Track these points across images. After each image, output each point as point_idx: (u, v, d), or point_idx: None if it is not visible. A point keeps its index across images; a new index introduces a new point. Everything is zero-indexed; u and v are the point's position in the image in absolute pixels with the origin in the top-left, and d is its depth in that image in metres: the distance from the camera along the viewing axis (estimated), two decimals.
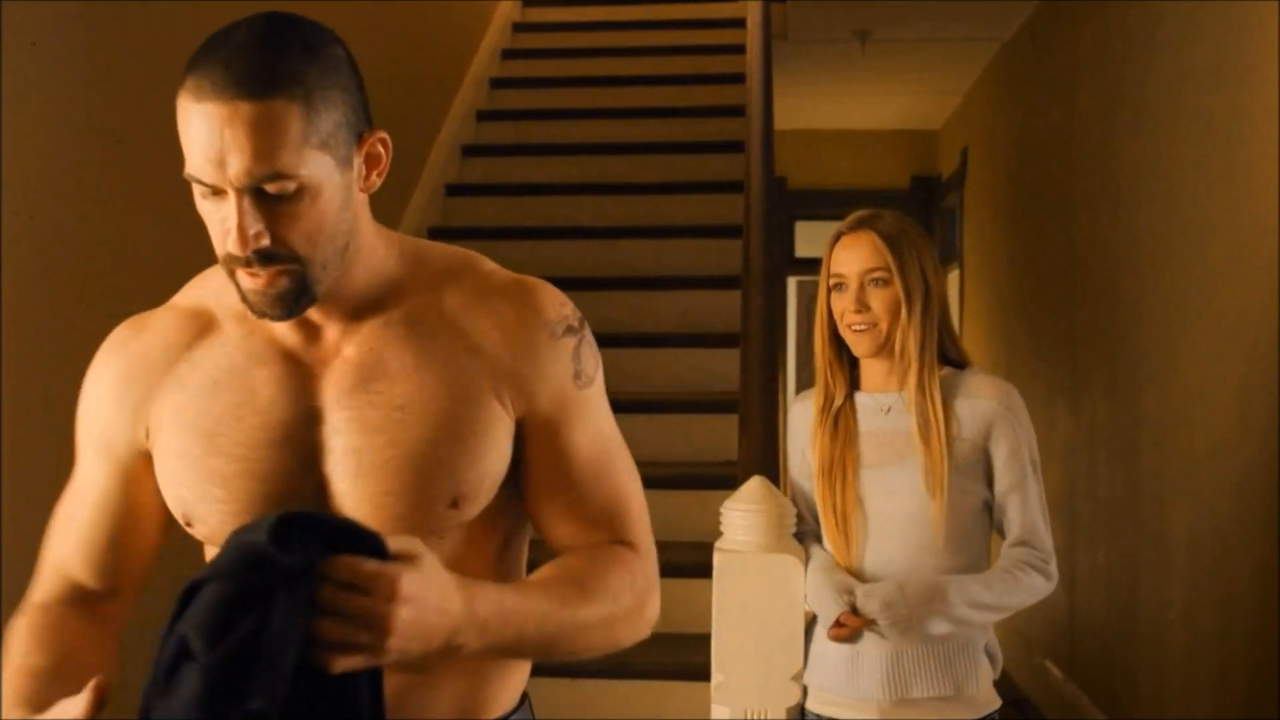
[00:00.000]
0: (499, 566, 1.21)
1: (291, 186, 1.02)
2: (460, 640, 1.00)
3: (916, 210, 7.89)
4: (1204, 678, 3.29)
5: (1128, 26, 4.05)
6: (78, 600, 1.19)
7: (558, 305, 1.20)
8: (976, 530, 1.99)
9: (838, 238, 2.03)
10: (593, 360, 1.21)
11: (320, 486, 1.10)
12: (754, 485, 2.17)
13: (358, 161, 1.09)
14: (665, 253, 4.31)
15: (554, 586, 1.12)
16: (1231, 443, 3.11)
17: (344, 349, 1.13)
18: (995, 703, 2.01)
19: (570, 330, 1.19)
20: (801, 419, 2.13)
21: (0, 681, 1.08)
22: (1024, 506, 1.97)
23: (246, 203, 1.02)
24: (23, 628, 1.14)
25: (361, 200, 1.12)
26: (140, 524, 1.18)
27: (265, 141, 1.00)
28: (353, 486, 1.09)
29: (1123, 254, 4.08)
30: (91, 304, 2.34)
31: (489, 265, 1.22)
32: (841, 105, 7.20)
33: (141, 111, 2.51)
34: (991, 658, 2.02)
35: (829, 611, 1.98)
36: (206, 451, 1.11)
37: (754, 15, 4.77)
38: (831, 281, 2.02)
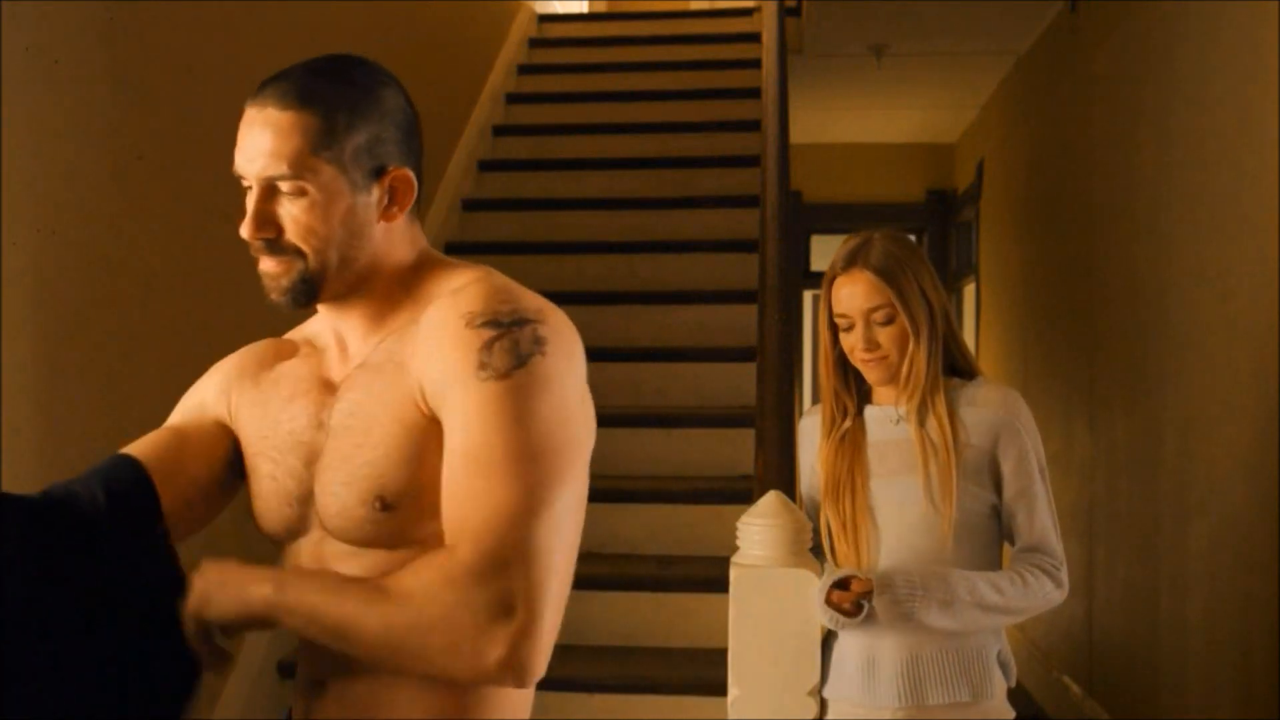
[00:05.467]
0: None
1: (299, 187, 1.16)
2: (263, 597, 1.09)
3: (932, 224, 7.89)
4: (1225, 693, 3.27)
5: (1147, 38, 4.04)
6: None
7: (491, 301, 1.16)
8: (986, 537, 2.00)
9: (834, 277, 2.04)
10: (511, 357, 1.12)
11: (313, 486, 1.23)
12: (770, 500, 2.17)
13: (378, 191, 1.20)
14: (681, 267, 4.32)
15: (354, 579, 1.13)
16: (1253, 457, 3.09)
17: (353, 365, 1.25)
18: (1009, 713, 2.01)
19: (493, 324, 1.14)
20: (810, 433, 2.15)
21: None
22: (1032, 513, 1.97)
23: (260, 196, 1.18)
24: None
25: (385, 229, 1.22)
26: (186, 455, 1.28)
27: (282, 144, 1.16)
28: (318, 484, 1.21)
29: (1142, 267, 4.07)
30: (112, 317, 2.35)
31: (478, 280, 1.21)
32: (857, 119, 7.21)
33: (163, 126, 2.53)
34: (1004, 666, 2.02)
35: (820, 594, 1.98)
36: (258, 451, 1.27)
37: (769, 30, 4.78)
38: (837, 321, 2.04)
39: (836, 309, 2.03)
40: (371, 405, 1.18)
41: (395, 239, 1.24)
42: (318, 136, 1.16)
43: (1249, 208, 3.14)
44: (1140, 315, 4.06)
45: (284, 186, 1.17)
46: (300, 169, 1.16)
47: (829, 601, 1.96)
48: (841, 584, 1.96)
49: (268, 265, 1.20)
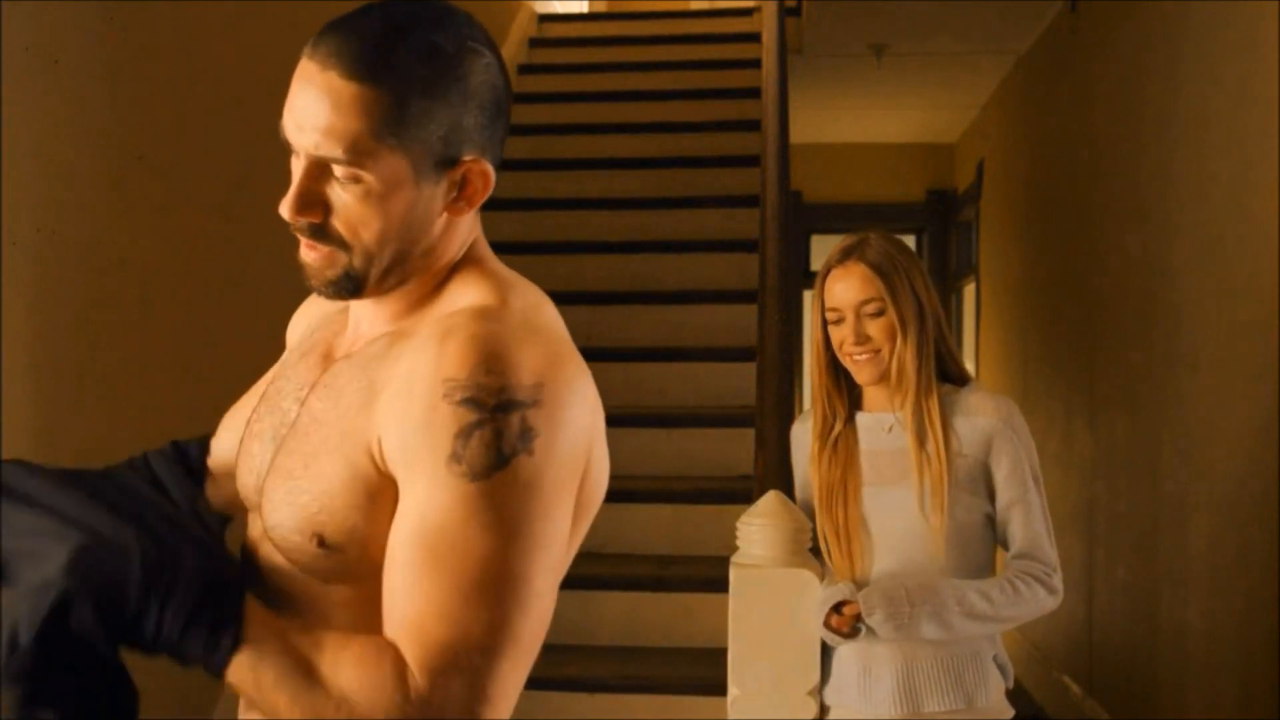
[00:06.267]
0: None
1: (354, 175, 0.99)
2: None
3: (932, 224, 7.89)
4: (1226, 693, 3.27)
5: (1148, 38, 4.04)
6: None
7: (479, 368, 0.95)
8: (978, 545, 2.00)
9: (828, 271, 2.06)
10: (491, 454, 0.93)
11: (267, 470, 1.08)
12: (770, 500, 2.17)
13: (446, 183, 1.04)
14: (681, 267, 4.32)
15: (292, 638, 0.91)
16: (1254, 457, 3.09)
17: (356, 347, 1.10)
18: (1008, 712, 2.01)
19: (473, 404, 0.94)
20: (801, 439, 2.15)
21: None
22: (1026, 520, 1.97)
23: (310, 172, 1.01)
24: None
25: (448, 222, 1.07)
26: None
27: (341, 122, 0.98)
28: (269, 479, 1.06)
29: (1143, 266, 4.07)
30: (112, 317, 2.35)
31: (478, 319, 1.02)
32: (857, 119, 7.21)
33: (163, 126, 2.53)
34: (1001, 668, 2.03)
35: (820, 615, 2.01)
36: (263, 394, 1.16)
37: (769, 30, 4.78)
38: (828, 315, 2.05)
39: (829, 303, 2.04)
40: (331, 424, 1.02)
41: (454, 233, 1.09)
42: (384, 120, 0.98)
43: (1250, 207, 3.13)
44: (1141, 315, 4.06)
45: (337, 171, 0.99)
46: (359, 155, 0.98)
47: (828, 625, 1.98)
48: (838, 606, 1.97)
49: (309, 254, 1.03)
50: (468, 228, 1.11)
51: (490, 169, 1.06)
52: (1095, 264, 4.64)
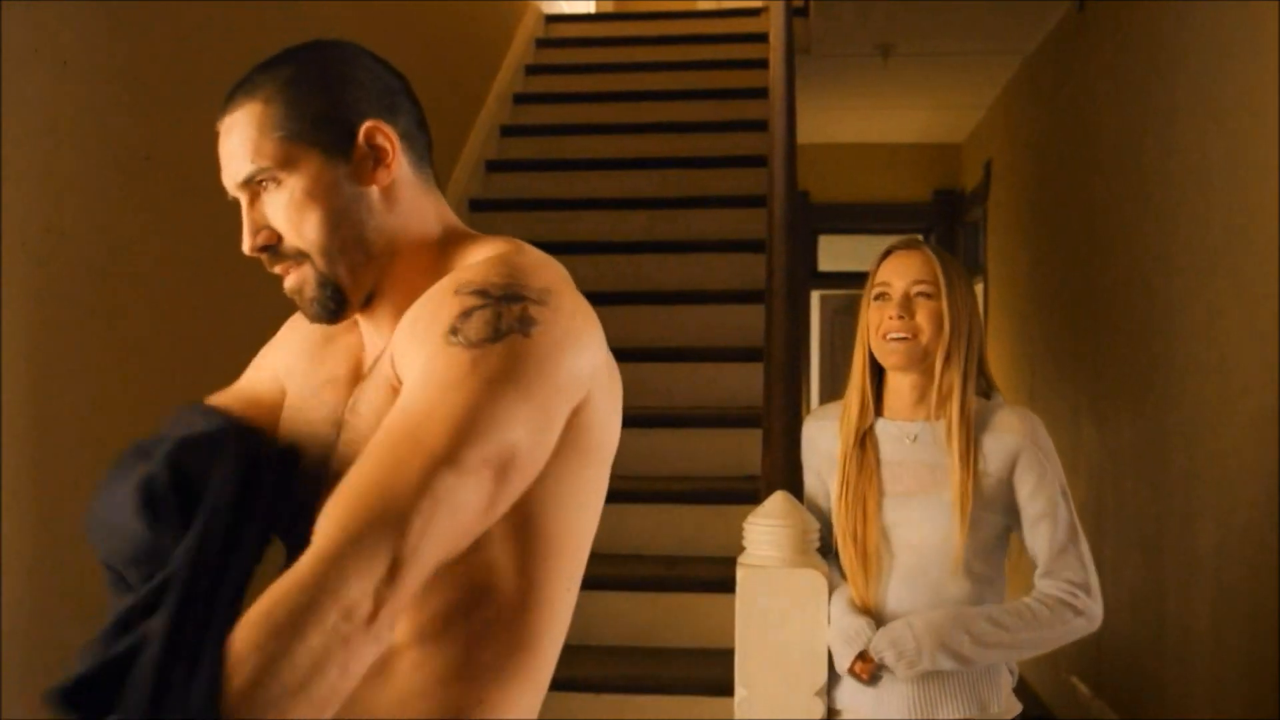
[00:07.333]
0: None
1: (271, 177, 1.09)
2: None
3: (940, 224, 7.88)
4: (1232, 694, 3.26)
5: (1155, 38, 4.03)
6: None
7: (492, 273, 1.02)
8: (994, 558, 1.99)
9: (888, 253, 2.02)
10: (487, 329, 0.97)
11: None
12: (777, 500, 2.17)
13: (357, 154, 1.10)
14: (688, 267, 4.32)
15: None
16: (1261, 458, 3.08)
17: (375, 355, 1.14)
18: (1016, 708, 2.01)
19: (480, 293, 1.00)
20: (817, 440, 2.11)
21: None
22: (1052, 537, 1.93)
23: (249, 203, 1.11)
24: None
25: (386, 195, 1.11)
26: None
27: (241, 142, 1.09)
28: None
29: (1150, 267, 4.06)
30: (118, 317, 2.36)
31: (497, 252, 1.09)
32: (864, 119, 7.20)
33: (170, 127, 2.54)
34: (1010, 669, 2.03)
35: (841, 656, 2.00)
36: (286, 430, 1.15)
37: (777, 30, 4.78)
38: (876, 291, 2.00)
39: (879, 278, 1.99)
40: (366, 424, 1.05)
41: (408, 213, 1.13)
42: (269, 118, 1.08)
43: (1256, 208, 3.13)
44: (1148, 316, 4.05)
45: (261, 184, 1.09)
46: (263, 157, 1.08)
47: (851, 671, 1.98)
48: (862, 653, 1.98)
49: (288, 282, 1.11)
50: (425, 208, 1.15)
51: (390, 129, 1.12)
52: (1102, 264, 4.64)
